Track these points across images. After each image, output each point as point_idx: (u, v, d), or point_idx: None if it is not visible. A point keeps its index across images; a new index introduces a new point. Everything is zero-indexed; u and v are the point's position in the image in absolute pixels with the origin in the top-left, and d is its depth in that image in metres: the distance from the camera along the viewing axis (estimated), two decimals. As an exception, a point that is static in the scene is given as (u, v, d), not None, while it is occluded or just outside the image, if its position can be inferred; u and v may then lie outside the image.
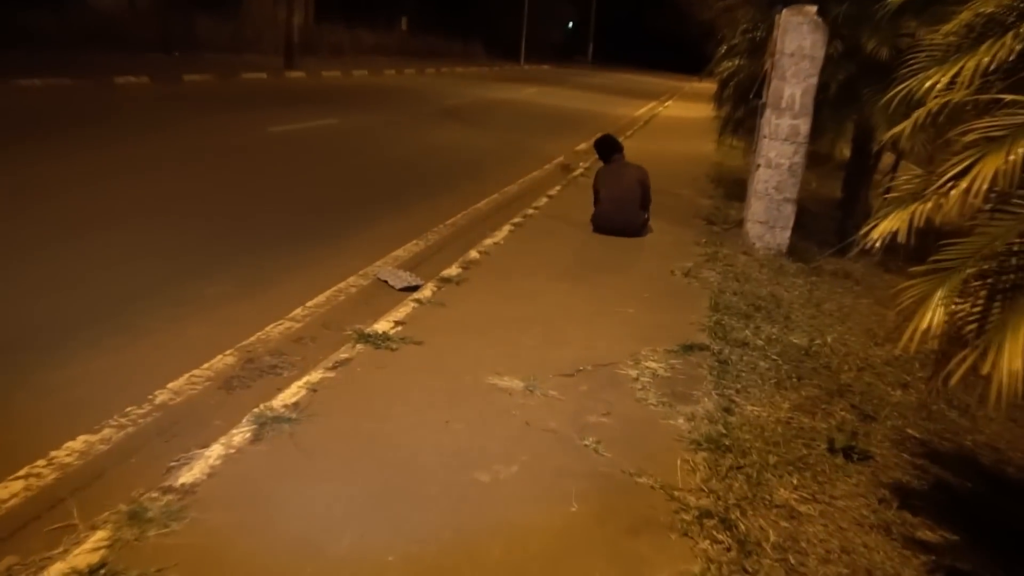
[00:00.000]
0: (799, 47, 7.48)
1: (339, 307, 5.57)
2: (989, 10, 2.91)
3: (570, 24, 64.68)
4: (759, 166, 7.89)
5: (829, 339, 5.64)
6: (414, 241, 7.37)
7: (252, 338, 4.84)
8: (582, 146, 15.11)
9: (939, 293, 2.68)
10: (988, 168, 2.49)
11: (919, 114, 3.26)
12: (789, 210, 7.90)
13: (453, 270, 6.28)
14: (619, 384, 4.48)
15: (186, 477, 3.16)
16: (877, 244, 3.02)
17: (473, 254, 6.80)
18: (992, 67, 2.82)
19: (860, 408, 4.57)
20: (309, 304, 5.51)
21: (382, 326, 4.96)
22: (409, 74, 31.21)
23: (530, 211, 8.78)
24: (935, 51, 3.11)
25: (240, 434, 3.52)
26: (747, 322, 5.70)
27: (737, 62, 10.81)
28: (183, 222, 7.16)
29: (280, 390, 4.02)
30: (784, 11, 7.54)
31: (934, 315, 2.66)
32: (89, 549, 2.68)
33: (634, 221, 8.01)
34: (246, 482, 3.19)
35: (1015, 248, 2.65)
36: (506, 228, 7.88)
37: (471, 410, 4.00)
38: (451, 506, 3.17)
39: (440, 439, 3.69)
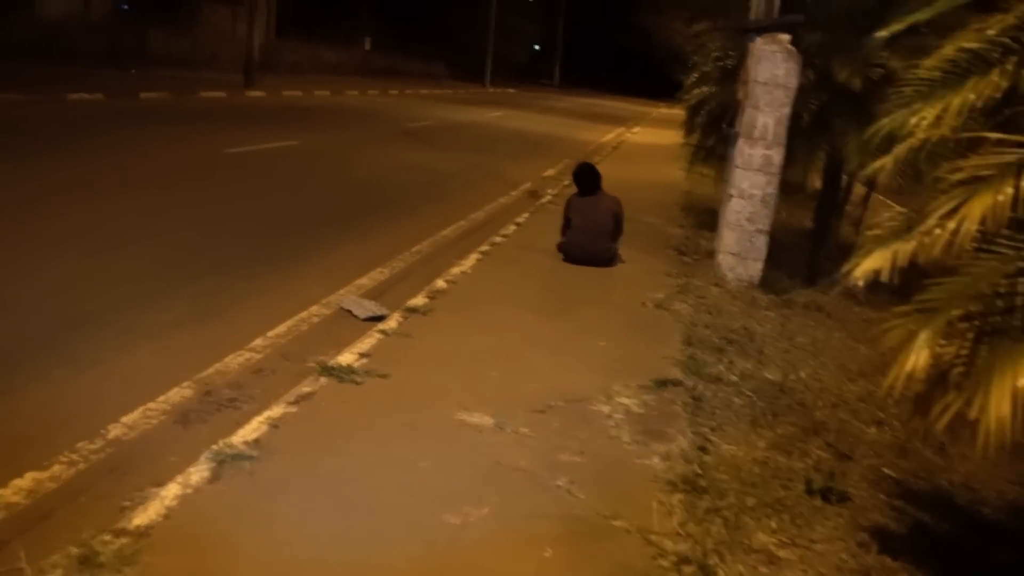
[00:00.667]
0: (772, 76, 7.57)
1: (301, 337, 5.50)
2: (973, 46, 2.95)
3: (536, 47, 65.12)
4: (731, 196, 7.96)
5: (803, 374, 5.67)
6: (379, 269, 7.32)
7: (210, 369, 4.75)
8: (550, 172, 15.18)
9: (924, 334, 2.69)
10: (976, 209, 2.52)
11: (900, 149, 3.29)
12: (762, 241, 7.96)
13: (419, 300, 6.23)
14: (591, 421, 4.46)
15: (140, 518, 3.07)
16: (860, 283, 3.03)
17: (440, 283, 6.76)
18: (980, 104, 2.85)
19: (836, 447, 4.58)
20: (269, 334, 5.43)
21: (346, 358, 4.90)
22: (372, 95, 31.19)
23: (498, 239, 8.77)
24: (921, 86, 3.14)
25: (197, 472, 3.44)
26: (720, 356, 5.71)
27: (708, 89, 10.93)
28: (135, 246, 7.04)
29: (239, 425, 3.94)
30: (757, 39, 7.64)
31: (919, 357, 2.66)
32: (36, 597, 2.59)
33: (605, 251, 8.03)
34: (203, 524, 3.10)
35: (1001, 289, 2.67)
36: (473, 256, 7.86)
37: (439, 447, 3.96)
38: (418, 550, 3.11)
39: (406, 478, 3.63)
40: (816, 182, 10.00)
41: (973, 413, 2.43)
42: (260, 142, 14.04)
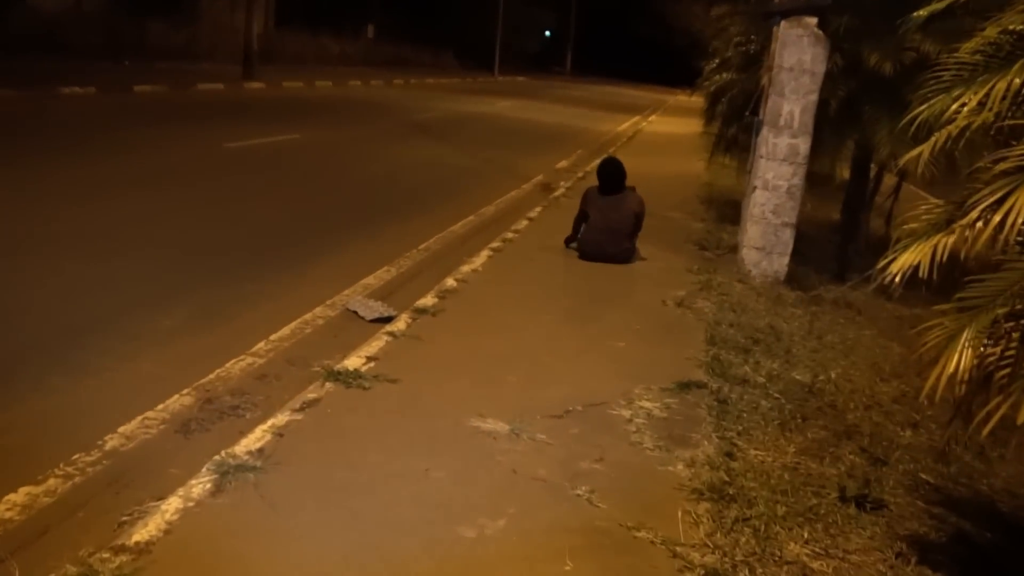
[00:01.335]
0: (799, 61, 7.51)
1: (305, 341, 5.48)
2: (1019, 27, 2.90)
3: (547, 33, 65.06)
4: (755, 188, 7.90)
5: (833, 375, 5.61)
6: (385, 268, 7.31)
7: (211, 375, 4.74)
8: (563, 164, 15.16)
9: (966, 334, 2.65)
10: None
11: (939, 136, 3.23)
12: (787, 235, 7.90)
13: (429, 300, 6.21)
14: (612, 426, 4.42)
15: (140, 534, 3.05)
16: (897, 279, 2.99)
17: (450, 282, 6.73)
18: (1025, 88, 2.80)
19: (870, 451, 4.53)
20: (273, 338, 5.42)
21: (353, 362, 4.88)
22: (376, 85, 31.23)
23: (510, 235, 8.74)
24: (962, 70, 3.09)
25: (199, 485, 3.42)
26: (746, 357, 5.67)
27: (729, 76, 10.87)
28: (133, 249, 7.04)
29: (243, 434, 3.92)
30: (782, 23, 7.58)
31: (961, 358, 2.62)
32: (32, 619, 2.58)
33: (623, 249, 7.98)
34: (206, 540, 3.08)
35: (1051, 287, 2.62)
36: (484, 253, 7.83)
37: (453, 456, 3.92)
38: (433, 566, 3.08)
39: (419, 489, 3.60)
40: (844, 173, 9.93)
41: (1021, 418, 2.39)
42: (261, 136, 14.05)
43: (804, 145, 7.71)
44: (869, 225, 10.26)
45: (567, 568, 3.14)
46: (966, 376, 2.66)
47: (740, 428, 4.52)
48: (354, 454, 3.85)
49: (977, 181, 2.84)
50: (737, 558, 3.27)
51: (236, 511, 3.28)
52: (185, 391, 4.49)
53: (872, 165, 9.47)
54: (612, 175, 8.21)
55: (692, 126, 22.69)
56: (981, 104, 2.89)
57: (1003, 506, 4.35)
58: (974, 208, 2.68)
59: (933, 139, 3.25)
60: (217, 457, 3.62)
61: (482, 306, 6.33)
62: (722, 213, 11.25)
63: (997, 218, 2.55)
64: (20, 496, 3.39)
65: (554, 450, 4.07)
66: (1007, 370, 2.60)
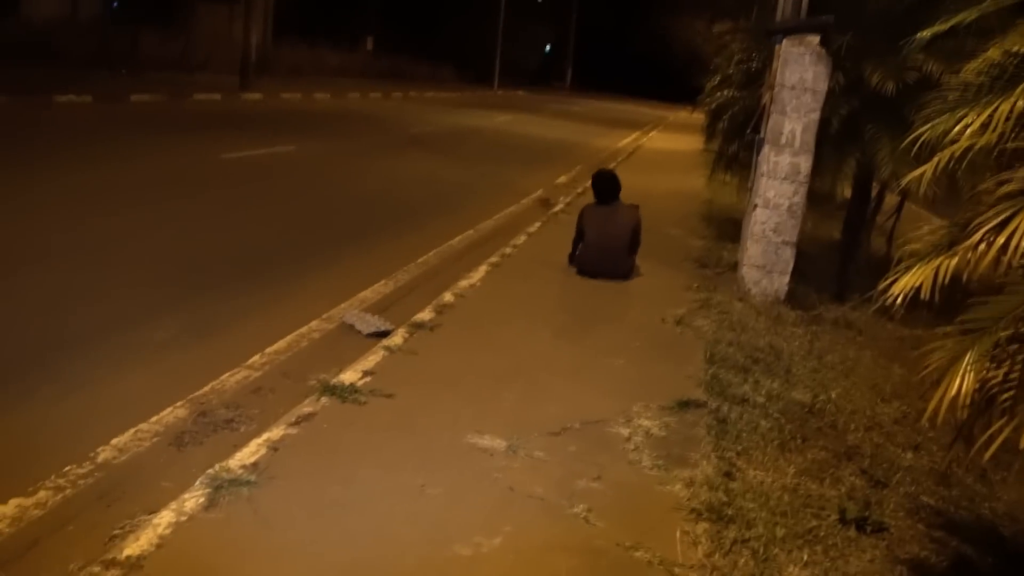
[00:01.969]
0: (800, 80, 7.55)
1: (301, 354, 5.48)
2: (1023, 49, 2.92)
3: (548, 48, 65.28)
4: (756, 206, 7.93)
5: (833, 395, 5.62)
6: (382, 282, 7.31)
7: (205, 388, 4.74)
8: (562, 179, 15.18)
9: (969, 356, 2.65)
10: (1028, 222, 2.48)
11: (941, 156, 3.25)
12: (788, 254, 7.92)
13: (426, 315, 6.22)
14: (610, 444, 4.42)
15: (131, 548, 3.05)
16: (898, 300, 3.00)
17: (447, 297, 6.74)
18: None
19: (870, 473, 4.54)
20: (268, 351, 5.42)
21: (349, 376, 4.89)
22: (374, 98, 31.30)
23: (508, 250, 8.75)
24: (966, 91, 3.11)
25: (192, 498, 3.42)
26: (745, 376, 5.67)
27: (730, 93, 10.89)
28: (127, 260, 7.05)
29: (237, 448, 3.93)
30: (784, 41, 7.61)
31: (964, 381, 2.63)
32: (21, 633, 2.57)
33: (622, 265, 8.00)
34: (199, 555, 3.08)
35: (1054, 310, 2.63)
36: (482, 268, 7.84)
37: (448, 473, 3.92)
38: (428, 584, 3.08)
39: (415, 506, 3.60)
40: (845, 191, 9.95)
41: (1024, 443, 2.40)
42: (258, 147, 14.07)
43: (805, 163, 7.74)
44: (870, 244, 10.28)
45: (564, 588, 3.14)
46: (968, 399, 2.66)
47: (739, 448, 4.52)
48: (349, 469, 3.85)
49: (980, 203, 2.86)
50: (736, 580, 3.27)
51: (229, 526, 3.28)
52: (179, 403, 4.49)
53: (874, 184, 9.48)
54: (605, 184, 8.29)
55: (693, 143, 22.78)
56: (984, 125, 2.90)
57: (1005, 530, 4.35)
58: (977, 230, 2.70)
59: (936, 159, 3.27)
60: (211, 471, 3.62)
61: (480, 321, 6.34)
62: (722, 231, 11.26)
63: (1000, 240, 2.57)
64: (10, 508, 3.38)
65: (551, 468, 4.07)
66: (1010, 393, 2.61)
